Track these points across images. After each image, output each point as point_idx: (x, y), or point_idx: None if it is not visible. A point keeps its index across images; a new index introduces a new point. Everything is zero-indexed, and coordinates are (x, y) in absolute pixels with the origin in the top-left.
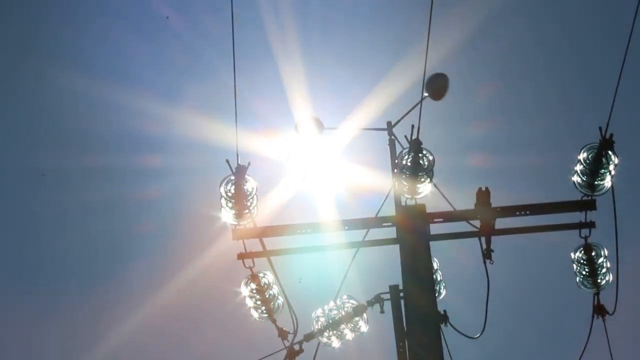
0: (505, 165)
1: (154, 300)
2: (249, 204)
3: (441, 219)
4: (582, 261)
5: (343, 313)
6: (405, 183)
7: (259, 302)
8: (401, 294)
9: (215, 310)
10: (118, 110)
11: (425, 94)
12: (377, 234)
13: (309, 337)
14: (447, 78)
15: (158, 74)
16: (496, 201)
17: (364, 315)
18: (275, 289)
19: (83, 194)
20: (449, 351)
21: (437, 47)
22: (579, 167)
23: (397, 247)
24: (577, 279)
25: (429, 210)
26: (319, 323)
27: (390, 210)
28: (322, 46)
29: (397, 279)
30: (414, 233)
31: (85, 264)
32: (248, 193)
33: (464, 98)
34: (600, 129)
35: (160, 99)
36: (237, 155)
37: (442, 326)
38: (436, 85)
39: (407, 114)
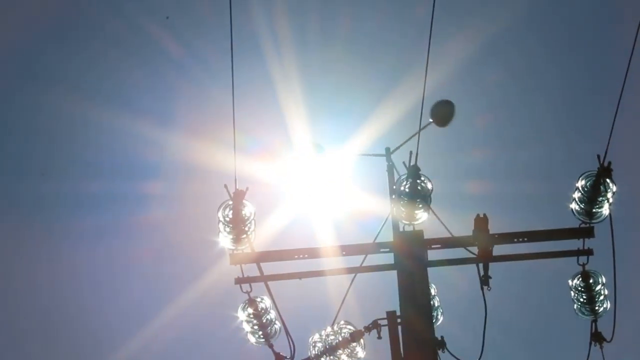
0: (503, 191)
1: (151, 325)
2: (246, 228)
3: (439, 245)
4: (579, 288)
5: (340, 338)
6: (403, 209)
7: (256, 327)
8: (398, 320)
9: (212, 335)
10: (115, 135)
11: (430, 120)
12: (375, 259)
13: None
14: (453, 105)
15: (154, 98)
16: (494, 228)
17: (361, 340)
18: (272, 314)
19: (80, 220)
20: None
21: (435, 74)
22: (577, 195)
23: (394, 272)
24: (575, 306)
25: (426, 236)
26: (316, 348)
27: (388, 236)
28: (320, 72)
29: (395, 305)
30: (411, 259)
31: (82, 289)
32: (246, 218)
33: (462, 125)
34: (598, 156)
35: (157, 124)
36: (236, 180)
37: (440, 352)
38: (442, 112)
39: (405, 142)
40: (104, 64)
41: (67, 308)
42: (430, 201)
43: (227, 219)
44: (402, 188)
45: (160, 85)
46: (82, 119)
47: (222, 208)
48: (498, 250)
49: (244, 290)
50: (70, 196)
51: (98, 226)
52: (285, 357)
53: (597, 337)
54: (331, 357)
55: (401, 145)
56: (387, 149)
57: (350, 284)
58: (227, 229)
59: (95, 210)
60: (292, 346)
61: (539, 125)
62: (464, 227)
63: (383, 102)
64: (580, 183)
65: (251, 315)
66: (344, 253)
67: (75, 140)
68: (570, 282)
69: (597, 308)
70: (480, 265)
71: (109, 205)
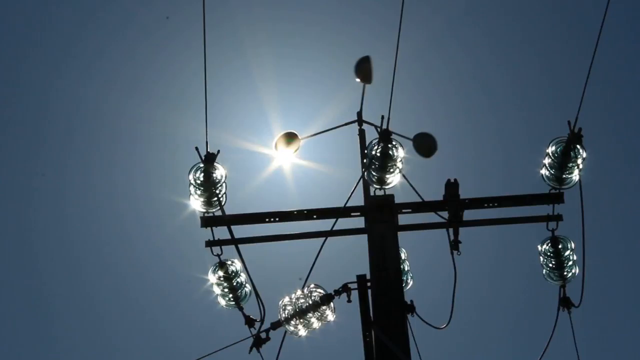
0: (474, 156)
1: (123, 285)
2: (217, 191)
3: (409, 210)
4: (548, 254)
5: (310, 302)
6: (374, 173)
7: (226, 290)
8: (368, 284)
9: (183, 298)
10: (87, 101)
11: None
12: (346, 223)
13: (276, 325)
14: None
15: (128, 67)
16: (464, 192)
17: (331, 304)
18: (242, 277)
19: (44, 182)
20: (415, 341)
21: (407, 40)
22: (547, 161)
23: (365, 236)
24: (544, 271)
25: (397, 200)
26: (286, 311)
27: (359, 200)
28: (292, 39)
29: (365, 269)
30: (382, 223)
31: (51, 251)
32: (217, 181)
33: (433, 89)
34: (569, 122)
35: (130, 89)
36: (207, 142)
37: (409, 316)
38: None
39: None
40: (67, 27)
41: (31, 277)
42: (402, 165)
43: (199, 181)
44: (373, 152)
45: (126, 51)
46: (48, 84)
47: (193, 171)
48: (468, 215)
49: (215, 253)
50: (34, 160)
51: (64, 188)
52: (255, 320)
53: (565, 303)
54: (301, 320)
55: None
56: (359, 113)
57: (321, 247)
58: (198, 192)
59: (66, 174)
60: (262, 309)
61: (511, 88)
62: (435, 192)
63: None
64: (551, 149)
65: (221, 278)
66: (315, 217)
67: (40, 107)
68: (539, 247)
69: (565, 273)
70: (451, 230)
71: (79, 168)
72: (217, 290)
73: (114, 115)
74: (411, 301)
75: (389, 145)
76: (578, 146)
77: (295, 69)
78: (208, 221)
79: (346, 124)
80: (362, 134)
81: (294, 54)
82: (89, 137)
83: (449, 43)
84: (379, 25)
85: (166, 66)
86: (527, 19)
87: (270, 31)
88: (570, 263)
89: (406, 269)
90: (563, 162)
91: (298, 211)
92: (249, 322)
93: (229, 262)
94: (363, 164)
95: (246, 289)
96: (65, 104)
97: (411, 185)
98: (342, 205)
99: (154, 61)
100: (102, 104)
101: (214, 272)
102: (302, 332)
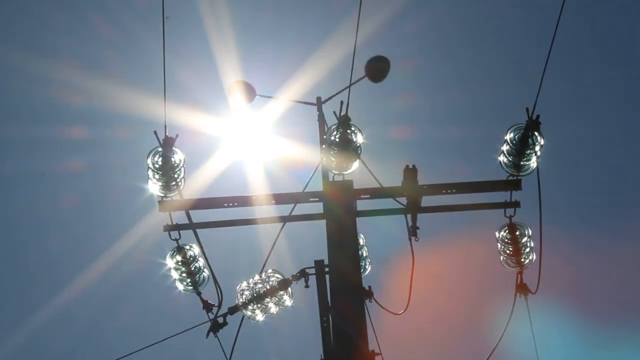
0: (433, 140)
1: (80, 272)
2: (176, 175)
3: (368, 195)
4: (506, 240)
5: (268, 287)
6: (333, 159)
7: (184, 275)
8: (326, 269)
9: (141, 283)
10: (39, 80)
11: (364, 75)
12: (304, 208)
13: (234, 310)
14: (387, 62)
15: (81, 44)
16: (423, 176)
17: (289, 289)
18: (201, 262)
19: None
20: (372, 326)
21: (364, 22)
22: (505, 147)
23: (324, 222)
24: (501, 257)
25: (356, 186)
26: (244, 296)
27: (318, 186)
28: (253, 20)
29: (323, 254)
30: (340, 208)
31: (4, 240)
32: (175, 165)
33: (393, 72)
34: (527, 109)
35: (84, 70)
36: (166, 126)
37: (367, 302)
38: (377, 68)
39: (337, 94)
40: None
41: None
42: (360, 151)
43: (157, 165)
44: (332, 138)
45: (83, 29)
46: (5, 62)
47: (151, 155)
48: (426, 201)
49: (173, 238)
50: None
51: (19, 172)
52: (213, 305)
53: (522, 289)
54: (259, 305)
55: (333, 96)
56: (319, 99)
57: (279, 232)
58: (157, 176)
59: (16, 156)
60: (219, 294)
61: (472, 72)
62: (393, 178)
63: (315, 51)
64: (509, 136)
65: (179, 263)
66: (273, 202)
67: None
68: (497, 234)
69: (522, 260)
70: (409, 216)
71: (30, 151)
72: (175, 274)
73: (75, 97)
74: (369, 287)
75: (348, 131)
76: (536, 133)
77: (256, 48)
78: (166, 205)
79: (305, 102)
80: (321, 118)
81: (255, 32)
82: (52, 117)
83: (408, 26)
84: (338, 6)
85: (129, 47)
86: (488, 3)
87: (234, 9)
88: (528, 249)
89: (364, 254)
90: (521, 149)
91: (256, 196)
92: (207, 306)
93: (187, 247)
94: (322, 149)
95: (204, 274)
96: (10, 77)
97: (369, 171)
98: (301, 190)
99: (118, 42)
100: (63, 84)
101: (172, 256)
102: (260, 317)
